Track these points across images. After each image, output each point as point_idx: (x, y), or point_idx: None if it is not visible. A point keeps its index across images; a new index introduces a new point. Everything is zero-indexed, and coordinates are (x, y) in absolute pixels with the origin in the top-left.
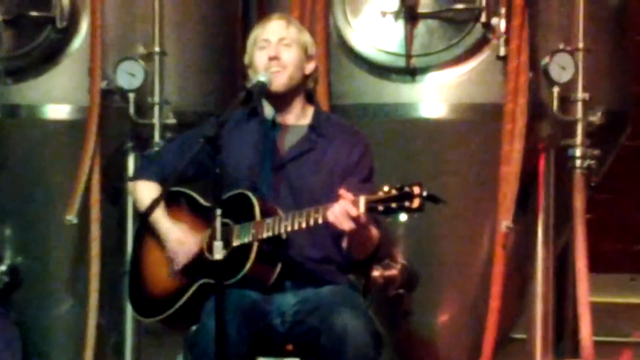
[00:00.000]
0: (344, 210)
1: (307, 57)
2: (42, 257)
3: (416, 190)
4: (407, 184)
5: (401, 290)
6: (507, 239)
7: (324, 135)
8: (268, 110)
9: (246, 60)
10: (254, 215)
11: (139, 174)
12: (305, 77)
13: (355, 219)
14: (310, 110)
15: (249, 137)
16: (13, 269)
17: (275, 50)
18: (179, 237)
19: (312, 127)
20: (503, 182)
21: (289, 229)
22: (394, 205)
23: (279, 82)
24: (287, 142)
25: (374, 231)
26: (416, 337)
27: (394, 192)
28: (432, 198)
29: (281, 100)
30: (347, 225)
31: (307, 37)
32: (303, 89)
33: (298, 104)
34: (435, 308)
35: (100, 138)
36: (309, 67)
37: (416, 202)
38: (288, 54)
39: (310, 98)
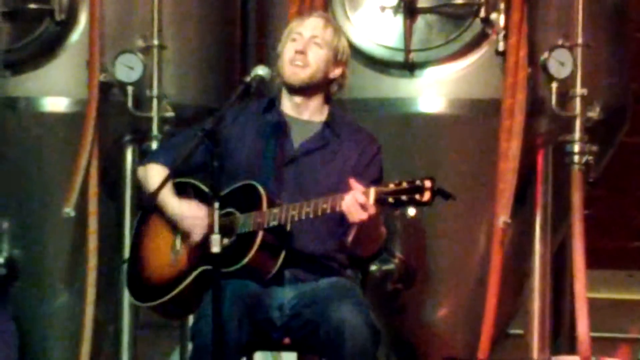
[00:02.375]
0: (355, 199)
1: (336, 61)
2: (40, 250)
3: (427, 184)
4: (418, 177)
5: (398, 285)
6: (505, 235)
7: (338, 134)
8: (285, 104)
9: (278, 48)
10: (261, 206)
11: (150, 159)
12: (329, 80)
13: (366, 209)
14: (326, 109)
15: (262, 130)
16: (10, 261)
17: (304, 45)
18: (193, 212)
19: (326, 124)
20: (501, 178)
21: (296, 218)
22: (404, 197)
23: (299, 75)
24: (300, 137)
25: (383, 229)
26: (413, 332)
27: (405, 184)
28: (442, 193)
29: (298, 96)
30: (358, 215)
31: (342, 42)
32: (324, 91)
33: (316, 102)
34: (433, 303)
35: (99, 131)
36: (335, 72)
37: (427, 196)
38: (316, 52)
39: (328, 98)
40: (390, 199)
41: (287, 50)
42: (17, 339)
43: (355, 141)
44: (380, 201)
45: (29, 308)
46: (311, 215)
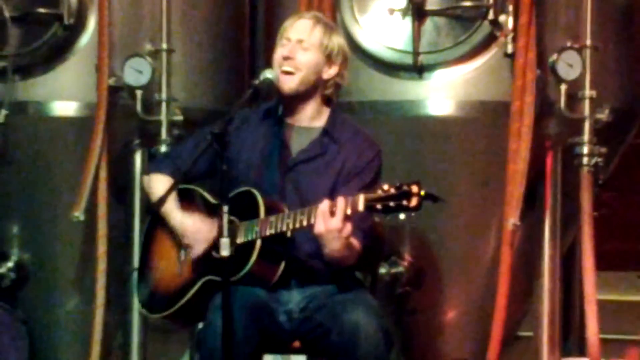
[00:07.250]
0: (321, 211)
1: (329, 61)
2: (49, 254)
3: (414, 189)
4: (405, 182)
5: (408, 288)
6: (514, 237)
7: (337, 139)
8: (284, 110)
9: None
10: (258, 213)
11: (154, 168)
12: (324, 82)
13: (339, 231)
14: (326, 113)
15: (261, 137)
16: (20, 266)
17: (291, 50)
18: (195, 227)
19: (325, 131)
20: (510, 180)
21: (291, 226)
22: (392, 204)
23: (289, 85)
24: (298, 143)
25: (354, 244)
26: (422, 335)
27: (392, 190)
28: (430, 197)
29: (292, 102)
30: (336, 240)
31: (334, 42)
32: (319, 92)
33: (312, 106)
34: (442, 306)
35: (107, 135)
36: (329, 72)
37: (414, 201)
38: (304, 56)
39: (328, 100)
40: (379, 206)
41: (277, 54)
42: (27, 343)
43: (353, 145)
44: (369, 209)
45: (38, 312)
46: (305, 223)
